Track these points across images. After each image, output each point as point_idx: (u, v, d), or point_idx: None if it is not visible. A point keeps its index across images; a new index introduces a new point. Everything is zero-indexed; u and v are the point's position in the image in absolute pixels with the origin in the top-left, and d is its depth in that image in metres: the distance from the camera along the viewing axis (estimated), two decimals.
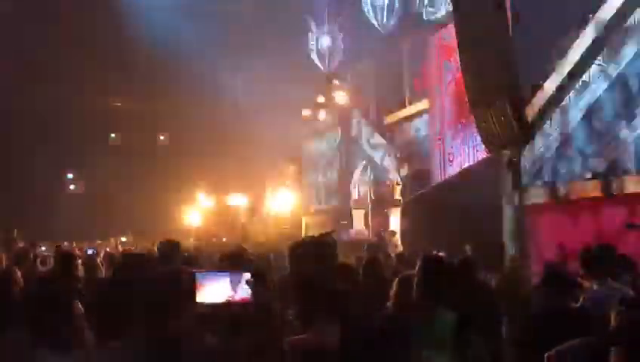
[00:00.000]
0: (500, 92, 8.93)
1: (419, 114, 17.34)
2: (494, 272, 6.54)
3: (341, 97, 18.37)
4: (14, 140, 20.87)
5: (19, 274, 4.13)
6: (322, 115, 20.05)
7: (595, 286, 3.58)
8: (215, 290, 1.68)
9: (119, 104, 23.77)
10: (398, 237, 11.87)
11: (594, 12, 10.59)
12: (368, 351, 2.32)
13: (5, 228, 12.95)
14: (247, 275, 1.62)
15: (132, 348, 2.16)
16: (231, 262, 3.95)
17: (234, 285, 1.66)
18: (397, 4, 15.76)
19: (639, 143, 9.62)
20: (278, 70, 19.00)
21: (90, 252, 11.29)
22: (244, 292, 1.62)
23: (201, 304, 1.69)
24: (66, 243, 14.35)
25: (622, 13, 10.14)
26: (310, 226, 18.82)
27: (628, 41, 9.98)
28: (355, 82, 21.90)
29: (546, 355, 2.36)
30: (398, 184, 14.25)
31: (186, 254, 6.52)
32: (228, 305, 1.70)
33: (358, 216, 14.82)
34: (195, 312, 2.05)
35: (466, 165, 13.42)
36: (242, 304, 1.66)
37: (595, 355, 2.20)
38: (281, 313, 1.62)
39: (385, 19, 15.88)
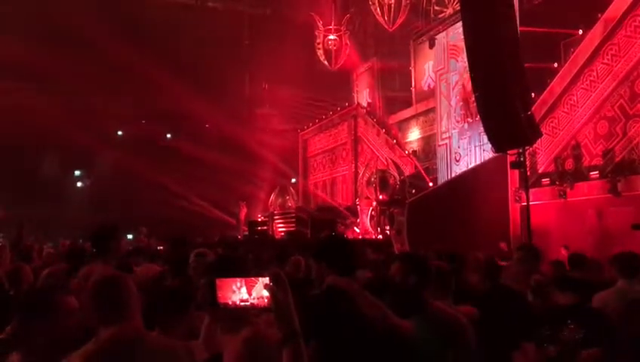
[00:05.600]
0: (508, 91, 8.94)
1: (425, 112, 17.38)
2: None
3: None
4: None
5: (28, 269, 4.21)
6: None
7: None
8: (235, 294, 1.73)
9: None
10: (404, 234, 11.87)
11: (602, 11, 10.62)
12: None
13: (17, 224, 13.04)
14: (266, 279, 1.67)
15: None
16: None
17: (254, 289, 1.71)
18: (404, 3, 15.76)
19: None
20: None
21: None
22: (264, 296, 1.67)
23: (223, 307, 1.74)
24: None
25: (629, 12, 10.16)
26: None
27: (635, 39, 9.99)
28: (362, 80, 21.96)
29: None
30: (404, 182, 14.26)
31: None
32: (249, 309, 1.75)
33: (365, 213, 14.85)
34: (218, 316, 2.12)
35: (473, 164, 13.43)
36: (262, 308, 1.71)
37: None
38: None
39: (392, 18, 15.87)
